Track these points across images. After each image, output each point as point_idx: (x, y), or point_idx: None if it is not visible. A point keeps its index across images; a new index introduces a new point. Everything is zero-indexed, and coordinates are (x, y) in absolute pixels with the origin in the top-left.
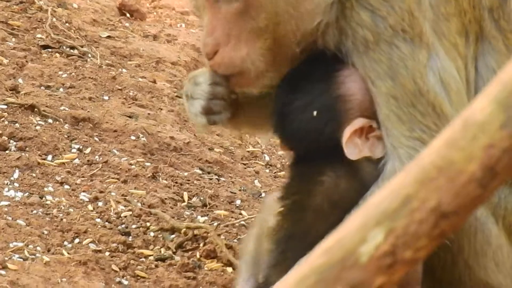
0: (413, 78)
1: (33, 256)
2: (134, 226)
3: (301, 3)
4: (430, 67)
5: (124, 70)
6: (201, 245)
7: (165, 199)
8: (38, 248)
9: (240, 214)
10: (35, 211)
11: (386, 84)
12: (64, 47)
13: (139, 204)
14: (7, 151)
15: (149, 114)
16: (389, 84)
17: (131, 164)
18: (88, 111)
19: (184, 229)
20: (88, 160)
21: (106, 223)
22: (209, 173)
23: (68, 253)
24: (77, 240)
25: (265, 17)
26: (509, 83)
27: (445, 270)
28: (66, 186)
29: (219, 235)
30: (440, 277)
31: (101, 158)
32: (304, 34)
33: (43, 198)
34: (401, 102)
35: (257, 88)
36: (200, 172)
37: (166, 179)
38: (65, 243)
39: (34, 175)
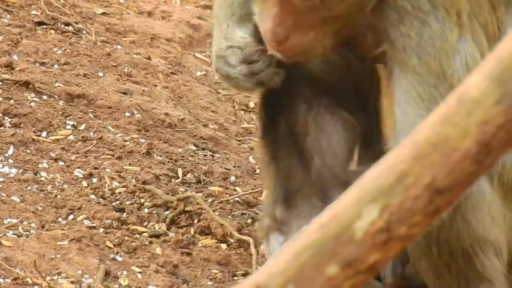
0: (439, 59)
1: (28, 233)
2: (128, 202)
3: None
4: (458, 50)
5: (118, 46)
6: (195, 221)
7: (160, 175)
8: (33, 224)
9: (235, 190)
10: (29, 188)
11: (412, 60)
12: (59, 24)
13: (133, 181)
14: (1, 128)
15: (143, 90)
16: (414, 60)
17: (125, 141)
18: (83, 88)
19: (176, 202)
20: (82, 137)
21: (101, 199)
22: (203, 149)
23: (62, 229)
24: (71, 217)
25: (344, 6)
26: (504, 59)
27: (443, 228)
28: (61, 163)
29: (214, 211)
30: (436, 237)
31: (95, 135)
32: (364, 10)
33: (38, 174)
34: (424, 80)
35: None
36: (195, 148)
37: (160, 156)
38: (60, 219)
39: (28, 151)
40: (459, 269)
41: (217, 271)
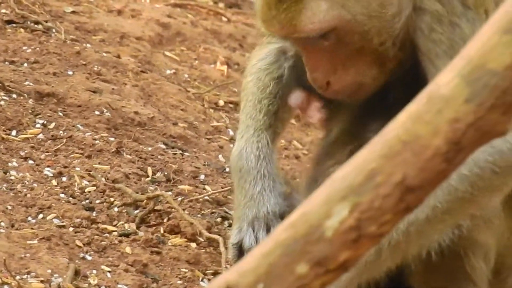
0: None
1: None
2: (98, 201)
3: (385, 12)
4: None
5: (88, 45)
6: (165, 220)
7: (129, 174)
8: (2, 223)
9: (204, 189)
10: None
11: (446, 63)
12: (29, 22)
13: (103, 179)
14: None
15: (113, 89)
16: (448, 62)
17: (95, 139)
18: (53, 86)
19: (145, 201)
20: (52, 135)
21: (70, 198)
22: (173, 148)
23: (32, 228)
24: (41, 216)
25: (358, 39)
26: (474, 58)
27: None
28: (30, 161)
29: (183, 210)
30: None
31: (65, 133)
32: (396, 36)
33: (7, 173)
34: None
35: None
36: (164, 147)
37: (130, 154)
38: (29, 218)
39: None
40: (448, 270)
41: (187, 270)
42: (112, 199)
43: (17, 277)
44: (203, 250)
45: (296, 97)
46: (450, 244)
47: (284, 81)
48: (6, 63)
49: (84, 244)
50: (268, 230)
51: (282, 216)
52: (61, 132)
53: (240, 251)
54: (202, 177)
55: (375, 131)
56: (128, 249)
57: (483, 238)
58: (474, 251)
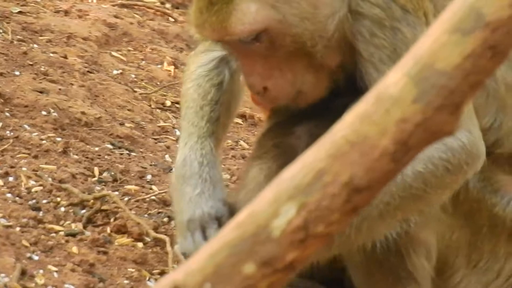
0: None
1: None
2: (44, 201)
3: (317, 13)
4: None
5: (35, 45)
6: (112, 220)
7: (76, 174)
8: None
9: (151, 189)
10: None
11: (390, 67)
12: None
13: (50, 179)
14: None
15: (60, 89)
16: (392, 67)
17: (42, 139)
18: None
19: (92, 201)
20: None
21: (17, 198)
22: (120, 148)
23: None
24: None
25: (290, 41)
26: (422, 58)
27: None
28: None
29: (130, 210)
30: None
31: (12, 133)
32: (330, 38)
33: None
34: None
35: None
36: (111, 147)
37: (77, 154)
38: None
39: None
40: (390, 268)
41: (134, 270)
42: (58, 199)
43: None
44: (150, 250)
45: None
46: (392, 242)
47: (225, 87)
48: None
49: (30, 244)
50: (203, 232)
51: (219, 220)
52: (7, 132)
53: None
54: (148, 177)
55: (299, 136)
56: (74, 249)
57: (425, 236)
58: (416, 249)
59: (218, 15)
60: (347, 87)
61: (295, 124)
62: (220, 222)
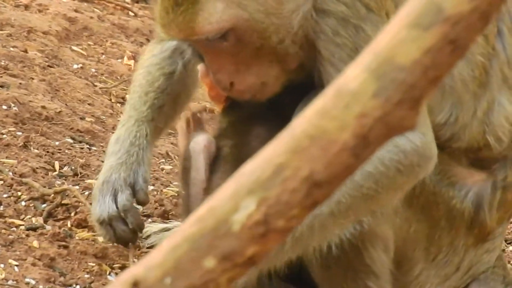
0: None
1: None
2: (5, 195)
3: (282, 9)
4: None
5: None
6: (72, 214)
7: (37, 168)
8: None
9: None
10: None
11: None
12: None
13: (10, 174)
14: None
15: (20, 83)
16: None
17: (2, 134)
18: None
19: (52, 195)
20: None
21: None
22: (80, 142)
23: None
24: None
25: (257, 37)
26: (382, 53)
27: None
28: None
29: (90, 204)
30: None
31: None
32: (295, 33)
33: None
34: None
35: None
36: (72, 141)
37: (37, 149)
38: None
39: None
40: (348, 262)
41: (94, 264)
42: (19, 193)
43: None
44: (110, 244)
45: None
46: (349, 236)
47: (176, 78)
48: None
49: None
50: (115, 196)
51: (134, 190)
52: None
53: (102, 224)
54: None
55: (258, 135)
56: (35, 243)
57: (382, 230)
58: (373, 243)
59: (185, 15)
60: (305, 85)
61: (253, 123)
62: (135, 193)
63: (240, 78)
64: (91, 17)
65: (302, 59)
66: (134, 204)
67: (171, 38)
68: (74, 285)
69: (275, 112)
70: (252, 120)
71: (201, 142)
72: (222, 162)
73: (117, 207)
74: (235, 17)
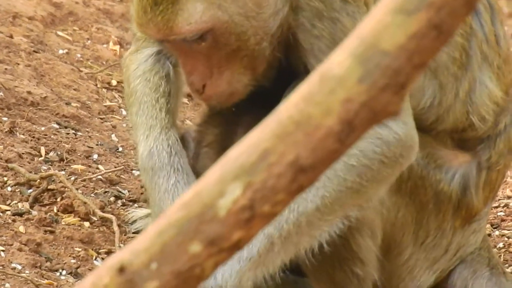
0: None
1: None
2: None
3: (262, 12)
4: None
5: None
6: (58, 199)
7: (23, 153)
8: None
9: (97, 168)
10: None
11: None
12: None
13: None
14: None
15: (6, 69)
16: None
17: None
18: None
19: (38, 180)
20: None
21: None
22: (66, 127)
23: None
24: None
25: (234, 39)
26: (366, 38)
27: None
28: None
29: (77, 189)
30: None
31: None
32: (273, 34)
33: None
34: None
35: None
36: (57, 126)
37: (23, 134)
38: None
39: None
40: (334, 249)
41: (80, 249)
42: (5, 179)
43: None
44: (97, 229)
45: None
46: (338, 233)
47: (172, 79)
48: None
49: None
50: None
51: None
52: None
53: None
54: (95, 156)
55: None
56: (21, 228)
57: (368, 217)
58: (360, 230)
59: (164, 15)
60: (292, 74)
61: (239, 112)
62: None
63: (212, 81)
64: (76, 2)
65: (278, 58)
66: None
67: (148, 37)
68: (60, 270)
69: (262, 100)
70: (238, 108)
71: (191, 129)
72: (208, 150)
73: None
74: (215, 19)
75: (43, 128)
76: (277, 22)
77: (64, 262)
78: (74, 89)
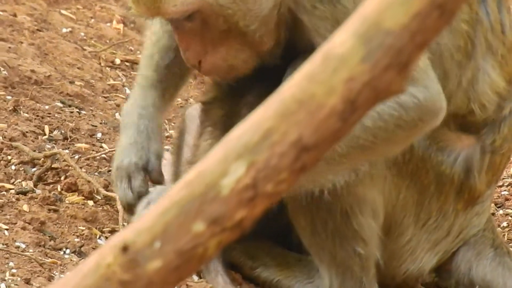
0: None
1: None
2: None
3: None
4: None
5: None
6: (62, 178)
7: (26, 132)
8: None
9: (101, 147)
10: None
11: None
12: None
13: (0, 138)
14: None
15: (9, 47)
16: None
17: None
18: None
19: (42, 159)
20: None
21: None
22: (70, 106)
23: None
24: None
25: (222, 21)
26: (369, 17)
27: None
28: None
29: (80, 168)
30: (316, 193)
31: None
32: (265, 16)
33: None
34: None
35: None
36: (61, 105)
37: (27, 113)
38: None
39: None
40: (335, 227)
41: (84, 228)
42: (9, 157)
43: None
44: (100, 208)
45: None
46: (337, 201)
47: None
48: None
49: None
50: (129, 181)
51: (148, 172)
52: None
53: (124, 209)
54: (99, 135)
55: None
56: (25, 207)
57: (371, 196)
58: (362, 209)
59: None
60: (297, 53)
61: (243, 91)
62: (149, 174)
63: (207, 57)
64: None
65: (280, 39)
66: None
67: (139, 14)
68: (64, 249)
69: (267, 80)
70: (243, 88)
71: (197, 107)
72: (212, 129)
73: (132, 193)
74: (201, 0)
75: (47, 107)
76: (269, 4)
77: (68, 240)
78: (78, 68)
